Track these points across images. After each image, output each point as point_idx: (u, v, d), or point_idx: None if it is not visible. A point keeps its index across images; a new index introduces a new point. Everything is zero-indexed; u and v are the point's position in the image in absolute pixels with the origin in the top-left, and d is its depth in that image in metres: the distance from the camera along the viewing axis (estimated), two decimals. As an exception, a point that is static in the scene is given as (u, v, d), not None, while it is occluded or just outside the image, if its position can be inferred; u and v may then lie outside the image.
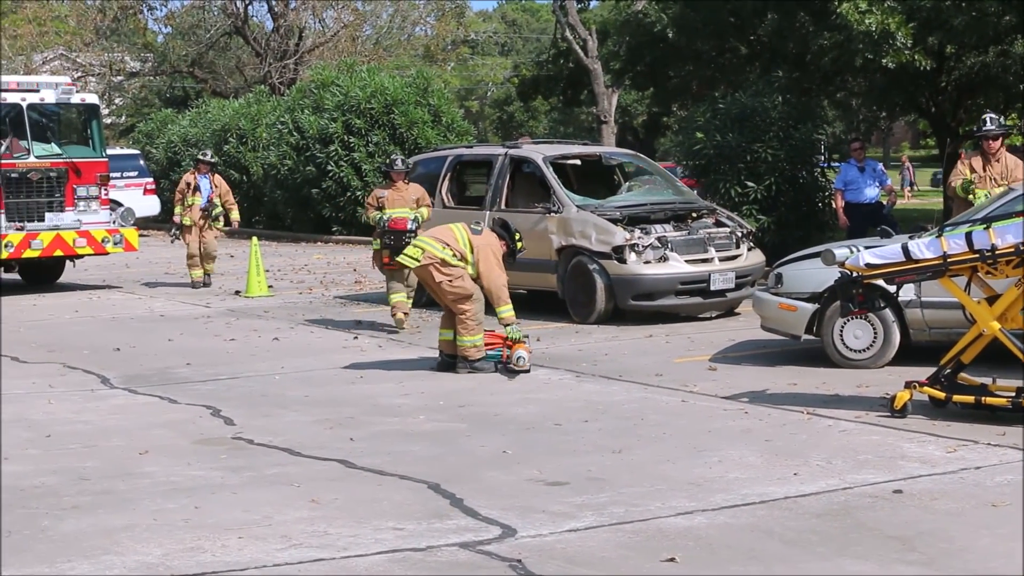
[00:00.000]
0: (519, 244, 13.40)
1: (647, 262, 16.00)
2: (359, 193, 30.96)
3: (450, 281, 12.78)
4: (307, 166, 32.00)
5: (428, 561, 6.89)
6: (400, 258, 13.52)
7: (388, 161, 17.02)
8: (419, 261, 12.91)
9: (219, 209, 21.74)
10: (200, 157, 22.57)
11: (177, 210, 21.80)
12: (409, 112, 31.09)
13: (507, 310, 12.88)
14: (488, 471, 8.84)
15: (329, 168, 31.28)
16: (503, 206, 17.25)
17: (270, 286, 20.66)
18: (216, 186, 21.85)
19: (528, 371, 12.60)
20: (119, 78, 47.77)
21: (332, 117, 31.61)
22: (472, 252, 12.86)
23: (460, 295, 12.78)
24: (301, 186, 32.42)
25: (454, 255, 12.81)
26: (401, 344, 14.87)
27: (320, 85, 33.18)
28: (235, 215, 22.41)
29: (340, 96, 31.87)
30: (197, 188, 21.62)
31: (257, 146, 35.16)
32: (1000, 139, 15.84)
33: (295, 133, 32.71)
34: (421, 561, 6.89)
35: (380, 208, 16.07)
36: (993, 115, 16.40)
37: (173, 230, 22.35)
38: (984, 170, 15.70)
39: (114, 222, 22.04)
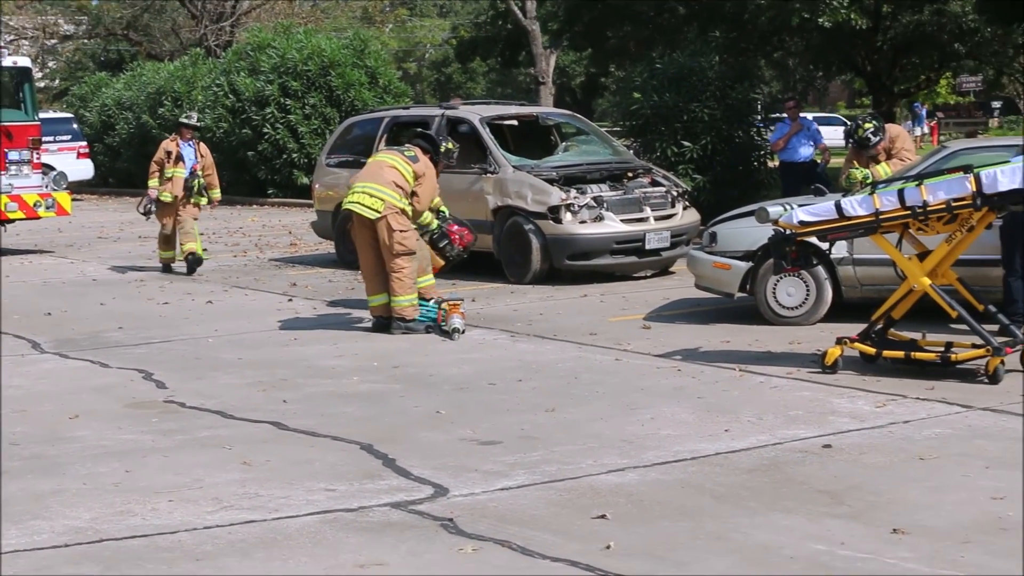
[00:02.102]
0: (443, 147, 13.36)
1: (583, 222, 16.01)
2: (295, 156, 30.82)
3: (402, 232, 12.61)
4: (243, 129, 31.76)
5: (360, 521, 6.88)
6: (356, 207, 12.67)
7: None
8: (381, 213, 12.59)
9: (201, 181, 18.35)
10: (184, 120, 18.78)
11: (153, 183, 18.32)
12: (346, 74, 30.88)
13: (429, 217, 13.09)
14: (421, 431, 8.83)
15: (265, 131, 31.07)
16: (439, 167, 17.17)
17: (204, 249, 20.43)
18: (202, 156, 18.50)
19: (463, 332, 12.57)
20: (52, 41, 47.27)
21: (268, 79, 31.36)
22: (415, 181, 12.80)
23: (407, 249, 12.64)
24: (237, 149, 32.16)
25: (408, 202, 12.75)
26: (336, 306, 14.80)
27: (256, 47, 32.89)
28: (216, 194, 18.79)
29: (276, 58, 31.60)
30: (180, 158, 18.25)
31: (192, 109, 34.83)
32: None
33: (231, 96, 32.44)
34: (353, 522, 6.88)
35: None
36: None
37: (146, 204, 18.52)
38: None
39: (46, 186, 21.77)
